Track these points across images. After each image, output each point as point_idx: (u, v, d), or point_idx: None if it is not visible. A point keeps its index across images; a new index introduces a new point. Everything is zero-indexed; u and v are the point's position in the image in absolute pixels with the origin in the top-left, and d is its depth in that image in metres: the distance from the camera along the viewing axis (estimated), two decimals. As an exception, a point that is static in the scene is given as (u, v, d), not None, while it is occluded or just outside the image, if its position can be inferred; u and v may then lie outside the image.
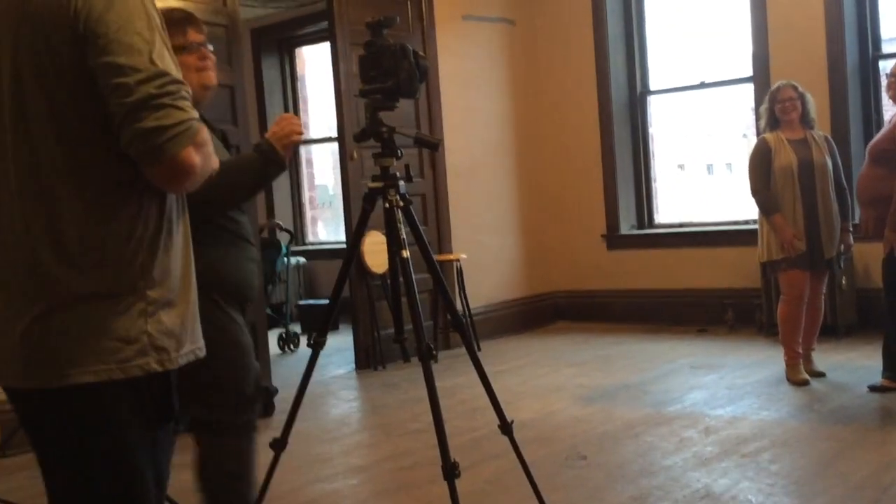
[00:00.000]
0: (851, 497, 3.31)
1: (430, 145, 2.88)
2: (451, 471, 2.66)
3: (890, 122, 4.73)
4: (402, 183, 2.85)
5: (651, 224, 7.55)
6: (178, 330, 1.64)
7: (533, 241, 7.61)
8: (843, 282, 5.92)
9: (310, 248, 9.36)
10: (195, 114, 1.54)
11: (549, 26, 7.58)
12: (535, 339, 7.12)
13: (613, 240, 7.43)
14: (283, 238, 8.06)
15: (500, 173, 7.41)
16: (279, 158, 2.61)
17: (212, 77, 2.60)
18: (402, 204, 2.84)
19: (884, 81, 5.17)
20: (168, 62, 1.52)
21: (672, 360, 5.87)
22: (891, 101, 4.77)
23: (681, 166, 7.96)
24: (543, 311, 7.62)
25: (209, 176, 1.65)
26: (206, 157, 1.57)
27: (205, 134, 1.56)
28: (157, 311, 1.60)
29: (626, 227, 7.46)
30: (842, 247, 5.01)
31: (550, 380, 5.58)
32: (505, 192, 7.45)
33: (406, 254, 2.82)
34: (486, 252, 7.13)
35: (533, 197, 7.63)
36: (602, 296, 7.49)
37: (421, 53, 2.73)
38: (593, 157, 7.44)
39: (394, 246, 2.80)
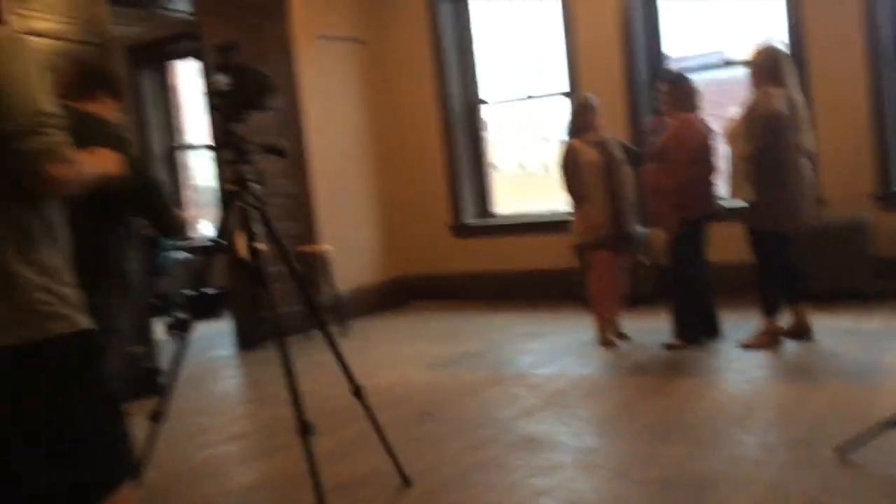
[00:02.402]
0: (644, 432, 3.52)
1: (278, 152, 2.87)
2: (305, 428, 2.69)
3: (663, 127, 4.97)
4: (257, 186, 2.83)
5: (490, 215, 7.70)
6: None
7: (390, 232, 7.64)
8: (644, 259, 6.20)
9: (196, 244, 9.06)
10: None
11: (395, 45, 7.60)
12: (394, 318, 7.15)
13: (459, 230, 7.54)
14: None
15: (360, 175, 7.41)
16: None
17: None
18: (256, 205, 2.82)
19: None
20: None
21: (507, 329, 6.03)
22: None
23: (522, 166, 8.12)
24: (400, 294, 7.66)
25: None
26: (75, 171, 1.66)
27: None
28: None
29: (469, 218, 7.58)
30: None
31: (405, 352, 5.64)
32: (364, 191, 7.45)
33: (261, 246, 2.80)
34: (349, 243, 7.11)
35: (389, 195, 7.66)
36: (451, 278, 7.59)
37: (263, 71, 2.70)
38: (438, 158, 7.51)
39: (249, 241, 2.78)
